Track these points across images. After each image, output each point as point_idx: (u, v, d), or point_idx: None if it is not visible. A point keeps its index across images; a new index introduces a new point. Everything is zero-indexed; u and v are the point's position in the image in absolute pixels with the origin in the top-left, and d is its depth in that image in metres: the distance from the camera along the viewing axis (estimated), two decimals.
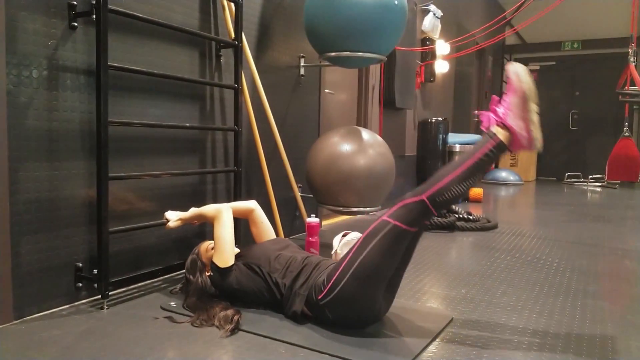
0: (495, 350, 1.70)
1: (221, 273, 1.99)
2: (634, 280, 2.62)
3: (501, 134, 1.72)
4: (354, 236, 2.82)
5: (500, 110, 1.75)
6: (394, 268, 1.82)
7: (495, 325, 1.94)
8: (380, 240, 1.73)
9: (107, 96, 1.98)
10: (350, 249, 1.81)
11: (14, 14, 1.79)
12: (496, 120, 1.75)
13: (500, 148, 1.72)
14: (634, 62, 6.36)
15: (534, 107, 1.72)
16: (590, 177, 8.67)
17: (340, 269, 1.79)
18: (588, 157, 9.22)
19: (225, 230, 2.03)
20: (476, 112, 1.81)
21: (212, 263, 2.02)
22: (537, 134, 1.71)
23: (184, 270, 2.15)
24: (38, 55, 1.88)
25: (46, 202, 1.94)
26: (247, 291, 1.98)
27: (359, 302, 1.78)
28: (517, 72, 1.75)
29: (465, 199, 5.82)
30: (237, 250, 2.11)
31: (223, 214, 2.07)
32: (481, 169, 1.73)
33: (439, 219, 3.92)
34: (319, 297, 1.81)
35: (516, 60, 9.71)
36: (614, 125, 8.84)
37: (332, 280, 1.79)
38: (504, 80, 9.60)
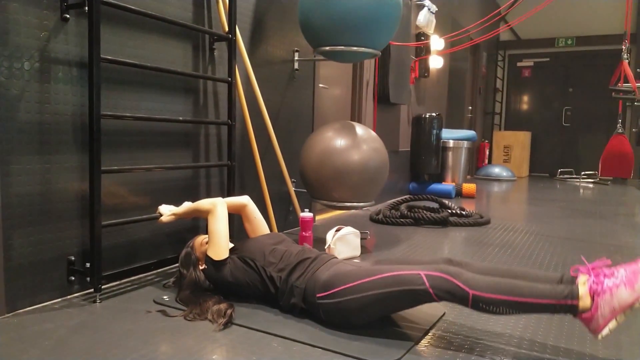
0: (487, 345, 1.71)
1: (215, 266, 1.99)
2: None
3: (583, 300, 1.53)
4: (348, 231, 2.83)
5: (605, 282, 1.54)
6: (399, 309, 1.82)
7: (487, 321, 1.95)
8: (403, 292, 1.67)
9: (99, 89, 1.97)
10: (371, 272, 1.75)
11: (5, 6, 1.77)
12: (591, 286, 1.54)
13: (570, 311, 1.55)
14: (628, 58, 6.38)
15: (628, 313, 1.53)
16: (583, 173, 8.72)
17: (351, 284, 1.75)
18: (581, 153, 9.26)
19: (220, 224, 2.03)
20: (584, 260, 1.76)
21: (207, 256, 2.02)
22: (609, 330, 1.53)
23: (177, 264, 2.15)
24: (30, 48, 1.86)
25: (38, 195, 1.93)
26: (241, 284, 1.99)
27: (353, 318, 1.79)
28: None
29: (458, 194, 5.84)
30: (232, 245, 2.12)
31: (218, 207, 2.07)
32: (539, 311, 1.58)
33: (432, 214, 3.93)
34: (318, 295, 1.81)
35: (510, 56, 9.74)
36: (607, 121, 8.89)
37: (337, 289, 1.77)
38: (499, 77, 9.62)
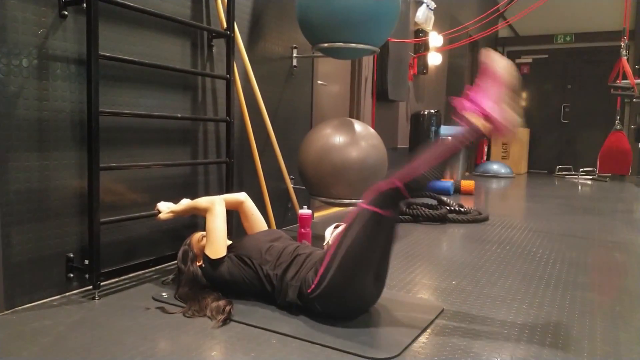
0: (485, 341, 1.72)
1: (212, 264, 2.00)
2: (623, 273, 2.65)
3: (478, 122, 1.71)
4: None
5: (476, 97, 1.73)
6: (379, 255, 1.82)
7: (486, 316, 1.95)
8: (361, 229, 1.74)
9: (97, 86, 1.96)
10: (335, 239, 1.83)
11: (4, 2, 1.77)
12: (472, 108, 1.73)
13: (477, 136, 1.72)
14: (626, 55, 6.38)
15: (511, 92, 1.70)
16: (582, 170, 8.73)
17: (326, 262, 1.79)
18: (579, 150, 9.27)
19: (217, 222, 2.03)
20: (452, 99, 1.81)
21: (204, 254, 2.02)
22: (514, 119, 1.68)
23: (175, 261, 2.15)
24: (28, 44, 1.86)
25: (37, 192, 1.92)
26: (238, 282, 1.99)
27: (347, 292, 1.79)
28: (493, 57, 1.73)
29: (457, 191, 5.85)
30: (229, 242, 2.12)
31: (216, 206, 2.07)
32: (457, 157, 1.76)
33: (431, 211, 3.93)
34: (309, 291, 1.82)
35: (509, 53, 9.74)
36: (605, 118, 8.89)
37: (320, 274, 1.80)
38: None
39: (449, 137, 1.78)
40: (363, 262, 1.78)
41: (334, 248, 1.79)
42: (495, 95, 1.70)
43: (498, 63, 1.72)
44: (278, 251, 1.99)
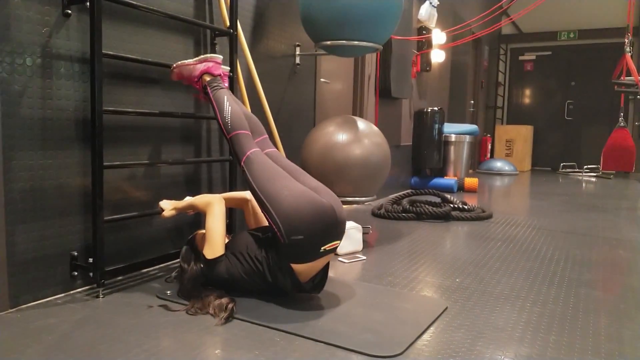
0: (489, 339, 1.72)
1: (209, 264, 1.99)
2: (627, 270, 2.64)
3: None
4: (350, 226, 2.83)
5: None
6: (282, 172, 2.01)
7: (489, 314, 1.95)
8: (250, 174, 1.99)
9: (101, 84, 1.97)
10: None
11: (7, 1, 1.77)
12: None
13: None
14: (630, 52, 6.36)
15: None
16: (585, 167, 8.71)
17: (263, 210, 1.93)
18: (583, 147, 9.24)
19: (215, 222, 2.03)
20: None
21: (202, 254, 2.02)
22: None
23: (179, 260, 2.15)
24: (32, 43, 1.86)
25: (41, 191, 1.93)
26: (237, 279, 1.98)
27: (303, 208, 1.86)
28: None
29: (461, 188, 5.84)
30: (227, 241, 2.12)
31: (214, 206, 2.06)
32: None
33: (434, 208, 3.93)
34: (282, 242, 1.87)
35: (512, 50, 9.71)
36: (609, 115, 8.86)
37: (271, 222, 1.89)
38: (501, 71, 9.59)
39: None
40: (275, 180, 1.95)
41: (256, 196, 1.96)
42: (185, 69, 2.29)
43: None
44: (265, 239, 2.02)
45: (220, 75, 2.30)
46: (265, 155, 2.10)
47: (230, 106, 2.14)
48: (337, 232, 1.93)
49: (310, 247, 1.86)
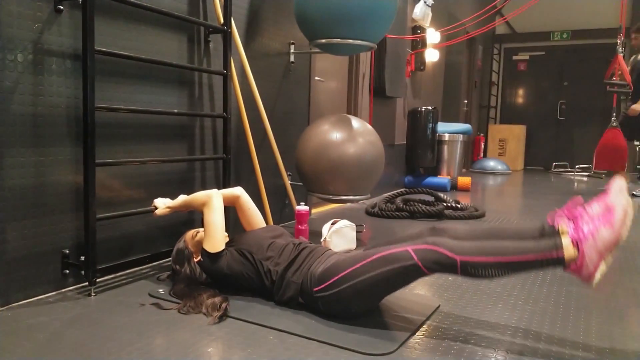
0: (481, 337, 1.72)
1: (211, 258, 1.99)
2: (618, 268, 2.66)
3: (567, 251, 1.52)
4: (343, 224, 2.83)
5: (584, 227, 1.52)
6: (394, 290, 1.83)
7: (482, 312, 1.96)
8: (394, 270, 1.68)
9: (93, 81, 1.95)
10: (362, 256, 1.77)
11: None
12: (572, 235, 1.53)
13: (558, 263, 1.54)
14: (623, 52, 6.38)
15: (614, 252, 1.53)
16: (577, 167, 8.75)
17: (345, 273, 1.76)
18: (575, 147, 9.29)
19: (215, 216, 2.02)
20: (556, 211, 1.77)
21: (202, 248, 2.01)
22: (600, 274, 1.52)
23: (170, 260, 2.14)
24: (23, 39, 1.85)
25: (32, 188, 1.92)
26: (237, 276, 1.98)
27: (354, 305, 1.80)
28: (624, 206, 1.53)
29: (454, 187, 5.85)
30: (227, 239, 2.11)
31: (213, 199, 2.06)
32: (527, 269, 1.59)
33: (428, 207, 3.94)
34: (315, 289, 1.82)
35: (506, 49, 9.74)
36: (601, 115, 8.91)
37: (332, 280, 1.78)
38: (494, 71, 9.61)
39: (530, 254, 1.56)
40: (378, 295, 1.83)
41: (359, 266, 1.75)
42: (603, 241, 1.50)
43: (629, 214, 1.53)
44: (280, 247, 1.99)
45: None
46: (413, 279, 1.78)
47: None
48: None
49: None
